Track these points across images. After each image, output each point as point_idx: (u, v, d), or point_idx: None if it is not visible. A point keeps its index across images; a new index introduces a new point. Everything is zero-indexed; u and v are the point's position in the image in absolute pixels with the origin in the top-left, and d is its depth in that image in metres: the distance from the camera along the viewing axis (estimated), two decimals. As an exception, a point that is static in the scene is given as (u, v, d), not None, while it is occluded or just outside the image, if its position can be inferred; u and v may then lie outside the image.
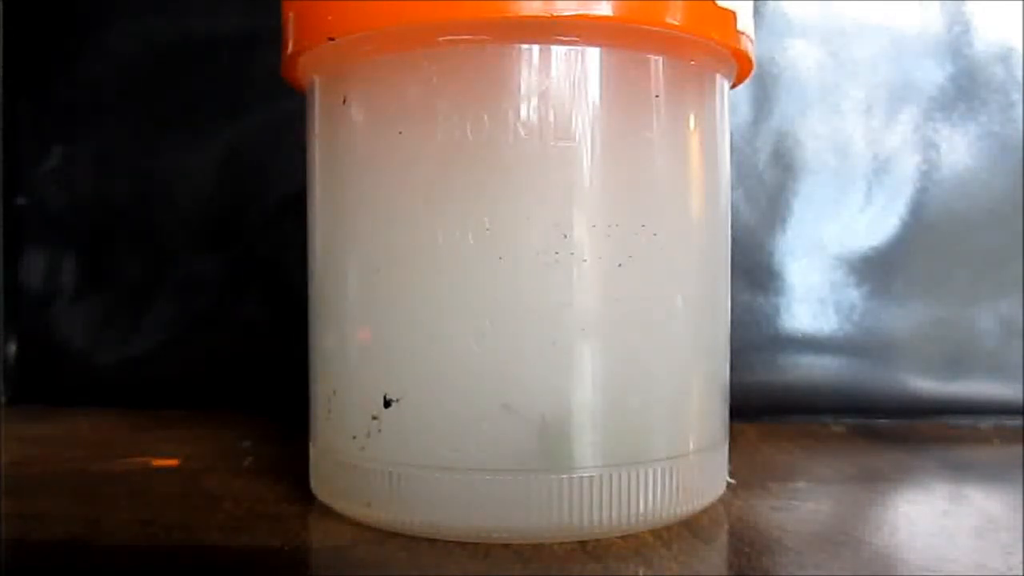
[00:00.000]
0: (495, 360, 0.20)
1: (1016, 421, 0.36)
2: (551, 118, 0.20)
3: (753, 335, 0.37)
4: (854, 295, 0.38)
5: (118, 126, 0.39)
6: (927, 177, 0.37)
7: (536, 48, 0.20)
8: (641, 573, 0.19)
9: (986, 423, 0.36)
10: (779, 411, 0.37)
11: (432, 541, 0.21)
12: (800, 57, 0.37)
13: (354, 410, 0.22)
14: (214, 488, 0.26)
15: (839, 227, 0.38)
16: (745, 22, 0.22)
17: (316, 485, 0.24)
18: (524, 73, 0.20)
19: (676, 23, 0.21)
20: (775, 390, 0.37)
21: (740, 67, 0.23)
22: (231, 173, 0.39)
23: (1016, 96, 0.37)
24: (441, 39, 0.20)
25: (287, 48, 0.23)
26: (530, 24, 0.20)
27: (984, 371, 0.38)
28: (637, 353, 0.21)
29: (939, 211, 0.38)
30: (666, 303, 0.21)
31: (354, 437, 0.21)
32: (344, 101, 0.22)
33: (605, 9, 0.20)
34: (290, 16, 0.23)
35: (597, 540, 0.21)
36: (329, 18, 0.21)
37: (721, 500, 0.24)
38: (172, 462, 0.29)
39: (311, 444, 0.24)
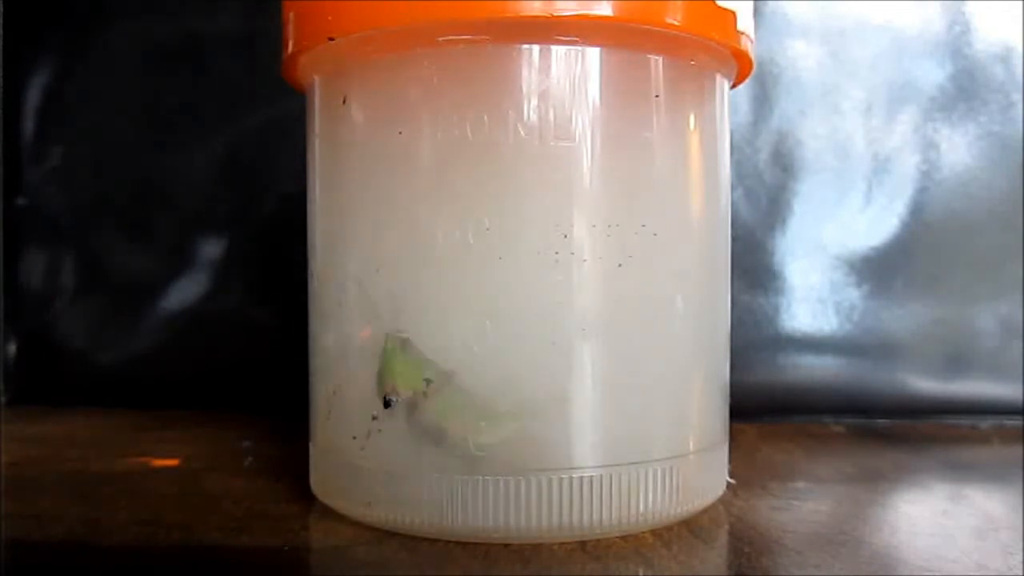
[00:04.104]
0: (495, 360, 0.20)
1: (1016, 421, 0.36)
2: (551, 118, 0.20)
3: (753, 335, 0.37)
4: (854, 295, 0.38)
5: (118, 126, 0.39)
6: (927, 177, 0.37)
7: (536, 48, 0.20)
8: (641, 573, 0.19)
9: (986, 423, 0.36)
10: (779, 411, 0.37)
11: (432, 541, 0.21)
12: (800, 57, 0.37)
13: (354, 410, 0.22)
14: (214, 488, 0.26)
15: (839, 227, 0.38)
16: (745, 22, 0.22)
17: (316, 485, 0.24)
18: (524, 73, 0.20)
19: (676, 23, 0.20)
20: (775, 390, 0.37)
21: (740, 67, 0.23)
22: (231, 173, 0.39)
23: (1016, 96, 0.37)
24: (441, 39, 0.20)
25: (287, 48, 0.23)
26: (530, 24, 0.20)
27: (984, 371, 0.38)
28: (637, 353, 0.21)
29: (939, 211, 0.38)
30: (666, 303, 0.21)
31: (354, 437, 0.21)
32: (344, 101, 0.22)
33: (605, 9, 0.20)
34: (290, 16, 0.23)
35: (597, 540, 0.21)
36: (329, 18, 0.21)
37: (721, 500, 0.24)
38: (172, 462, 0.29)
39: (311, 444, 0.24)
